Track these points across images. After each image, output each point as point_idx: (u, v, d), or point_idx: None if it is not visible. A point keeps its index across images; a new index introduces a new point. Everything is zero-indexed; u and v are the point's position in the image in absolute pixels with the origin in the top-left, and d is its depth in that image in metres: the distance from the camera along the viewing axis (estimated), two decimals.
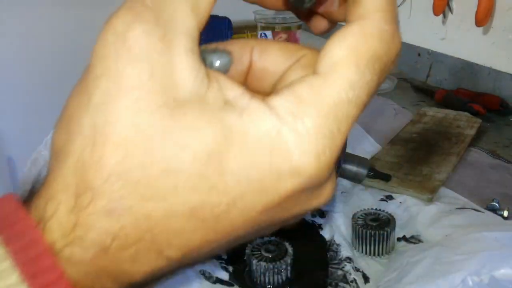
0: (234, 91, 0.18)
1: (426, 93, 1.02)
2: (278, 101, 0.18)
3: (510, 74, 0.92)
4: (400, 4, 1.21)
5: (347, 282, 0.46)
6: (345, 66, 0.18)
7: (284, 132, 0.17)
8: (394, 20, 0.20)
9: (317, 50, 0.20)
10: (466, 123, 0.81)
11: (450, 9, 1.04)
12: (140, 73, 0.17)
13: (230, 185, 0.17)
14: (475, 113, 0.85)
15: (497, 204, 0.55)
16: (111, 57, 0.17)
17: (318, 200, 0.20)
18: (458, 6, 1.03)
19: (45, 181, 0.18)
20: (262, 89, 0.22)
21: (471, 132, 0.77)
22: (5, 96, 1.87)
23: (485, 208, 0.55)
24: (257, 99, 0.18)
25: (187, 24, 0.18)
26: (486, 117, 0.86)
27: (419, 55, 1.18)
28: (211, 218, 0.17)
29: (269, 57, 0.22)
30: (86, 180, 0.17)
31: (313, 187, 0.19)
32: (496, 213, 0.54)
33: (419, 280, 0.41)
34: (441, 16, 1.06)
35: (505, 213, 0.54)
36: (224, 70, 0.21)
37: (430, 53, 1.14)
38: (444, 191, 0.61)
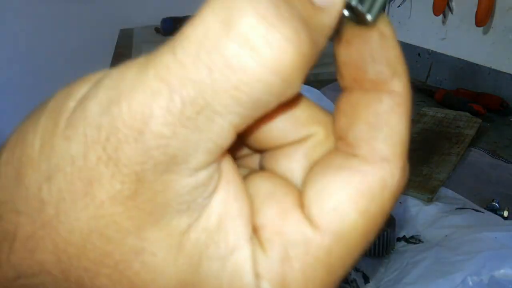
0: (236, 226, 0.14)
1: (426, 93, 1.02)
2: (266, 266, 0.14)
3: (510, 74, 0.92)
4: (400, 4, 1.21)
5: (347, 282, 0.46)
6: (354, 236, 0.14)
7: None
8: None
9: (332, 124, 0.16)
10: (466, 123, 0.81)
11: (450, 9, 1.04)
12: (120, 183, 0.13)
13: None
14: (475, 113, 0.85)
15: (497, 204, 0.55)
16: (97, 141, 0.13)
17: None
18: (458, 6, 1.03)
19: None
20: (251, 144, 0.17)
21: (471, 132, 0.77)
22: (5, 96, 1.87)
23: (485, 208, 0.55)
24: (248, 250, 0.14)
25: (217, 141, 0.13)
26: (486, 117, 0.86)
27: (419, 55, 1.18)
28: None
29: (273, 122, 0.16)
30: (10, 256, 0.14)
31: None
32: (496, 213, 0.54)
33: (419, 280, 0.41)
34: (441, 16, 1.06)
35: (505, 213, 0.54)
36: None
37: (430, 53, 1.14)
38: (444, 191, 0.61)
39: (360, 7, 0.14)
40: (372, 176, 0.14)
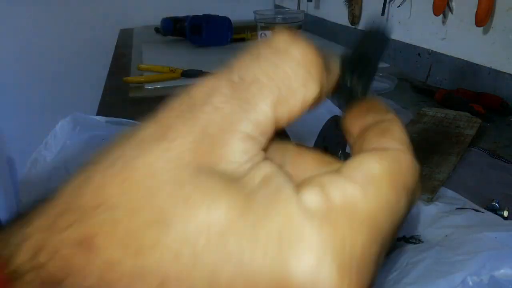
0: (280, 179, 0.16)
1: (426, 93, 1.02)
2: (310, 202, 0.15)
3: (510, 74, 0.92)
4: (400, 4, 1.21)
5: None
6: (383, 187, 0.16)
7: (307, 234, 0.15)
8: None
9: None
10: (466, 123, 0.81)
11: (450, 9, 1.04)
12: (189, 131, 0.16)
13: (220, 275, 0.15)
14: (475, 113, 0.85)
15: (497, 204, 0.55)
16: (176, 108, 0.17)
17: None
18: (458, 6, 1.03)
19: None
20: None
21: (471, 132, 0.77)
22: (5, 96, 1.87)
23: (485, 208, 0.55)
24: (292, 189, 0.16)
25: (261, 114, 0.17)
26: (486, 117, 0.86)
27: (419, 55, 1.18)
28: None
29: (302, 165, 0.20)
30: (77, 199, 0.16)
31: None
32: (496, 213, 0.54)
33: (419, 280, 0.41)
34: (441, 16, 1.06)
35: (505, 213, 0.54)
36: None
37: (430, 53, 1.14)
38: (444, 191, 0.61)
39: (349, 83, 0.20)
40: (388, 152, 0.18)
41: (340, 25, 1.56)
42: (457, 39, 1.06)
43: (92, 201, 0.15)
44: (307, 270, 0.14)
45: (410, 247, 0.50)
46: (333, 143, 0.59)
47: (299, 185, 0.16)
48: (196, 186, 0.15)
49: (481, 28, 0.96)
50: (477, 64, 1.00)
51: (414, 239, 0.51)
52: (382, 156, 0.17)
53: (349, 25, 1.48)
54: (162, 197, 0.15)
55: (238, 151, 0.16)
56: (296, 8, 1.81)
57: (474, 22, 0.90)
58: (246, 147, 0.16)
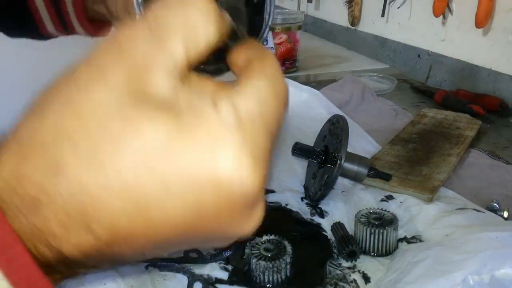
0: (202, 89, 0.22)
1: (426, 94, 1.02)
2: (225, 114, 0.20)
3: (510, 75, 0.92)
4: (400, 6, 1.22)
5: (346, 282, 0.46)
6: (270, 96, 0.22)
7: (227, 139, 0.20)
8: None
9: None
10: (466, 125, 0.81)
11: (450, 10, 1.04)
12: (120, 68, 0.20)
13: (169, 178, 0.19)
14: (474, 114, 0.85)
15: (497, 205, 0.55)
16: (105, 51, 0.21)
17: (248, 222, 0.22)
18: (458, 7, 1.03)
19: None
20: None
21: (471, 133, 0.77)
22: (5, 96, 1.87)
23: (484, 209, 0.55)
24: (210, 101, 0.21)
25: (174, 48, 0.21)
26: (485, 118, 0.86)
27: (419, 56, 1.18)
28: (143, 202, 0.19)
29: (206, 87, 0.24)
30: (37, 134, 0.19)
31: (245, 201, 0.21)
32: (496, 214, 0.54)
33: (419, 280, 0.40)
34: (441, 17, 1.06)
35: (505, 214, 0.54)
36: None
37: (430, 54, 1.14)
38: (444, 191, 0.61)
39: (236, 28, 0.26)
40: (267, 73, 0.23)
41: (340, 26, 1.56)
42: (457, 40, 1.06)
43: (51, 135, 0.19)
44: (231, 164, 0.19)
45: (411, 246, 0.50)
46: (333, 143, 0.59)
47: (214, 102, 0.21)
48: (137, 109, 0.19)
49: (481, 30, 0.96)
50: (476, 65, 1.00)
51: (414, 239, 0.51)
52: (264, 77, 0.22)
53: (349, 26, 1.48)
54: (111, 122, 0.19)
55: (162, 78, 0.20)
56: (296, 8, 1.81)
57: (474, 23, 0.90)
58: (167, 75, 0.20)
